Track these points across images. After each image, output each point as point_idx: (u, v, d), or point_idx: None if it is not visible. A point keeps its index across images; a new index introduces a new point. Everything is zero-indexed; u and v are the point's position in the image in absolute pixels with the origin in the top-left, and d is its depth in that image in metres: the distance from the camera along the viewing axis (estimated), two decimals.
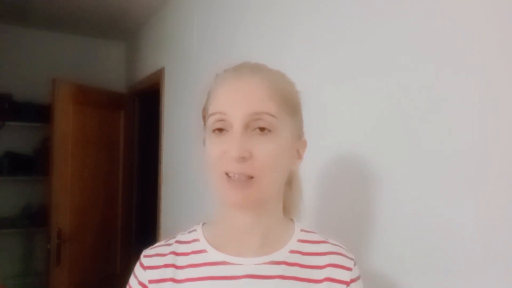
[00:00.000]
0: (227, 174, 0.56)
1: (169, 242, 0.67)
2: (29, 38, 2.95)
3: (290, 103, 0.60)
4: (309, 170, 1.07)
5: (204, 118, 0.63)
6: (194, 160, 1.99)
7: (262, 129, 0.56)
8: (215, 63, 1.78)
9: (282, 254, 0.62)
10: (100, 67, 3.17)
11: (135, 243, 3.08)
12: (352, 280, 0.62)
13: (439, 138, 0.79)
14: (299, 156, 0.65)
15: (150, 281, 0.62)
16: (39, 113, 2.74)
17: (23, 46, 2.92)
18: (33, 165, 2.80)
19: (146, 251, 0.67)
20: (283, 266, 0.61)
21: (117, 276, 2.89)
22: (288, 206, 0.71)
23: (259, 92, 0.57)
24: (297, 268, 0.61)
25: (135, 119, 3.11)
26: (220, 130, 0.58)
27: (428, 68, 0.82)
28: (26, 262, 2.90)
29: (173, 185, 2.28)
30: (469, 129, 0.74)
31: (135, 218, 3.12)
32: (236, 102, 0.57)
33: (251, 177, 0.56)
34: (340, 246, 0.67)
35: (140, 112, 3.14)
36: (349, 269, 0.63)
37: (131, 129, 3.07)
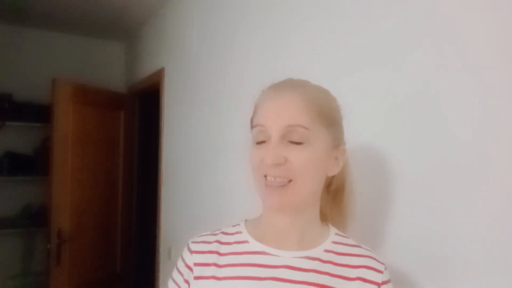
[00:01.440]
0: (265, 176, 0.64)
1: (215, 232, 0.74)
2: (29, 38, 2.95)
3: (326, 116, 0.66)
4: None
5: (251, 128, 0.71)
6: (194, 160, 1.99)
7: (296, 141, 0.63)
8: (215, 63, 1.79)
9: (317, 252, 0.68)
10: (100, 67, 3.17)
11: (135, 243, 3.08)
12: (384, 282, 0.67)
13: (439, 137, 0.79)
14: (337, 163, 0.70)
15: (196, 264, 0.68)
16: (39, 113, 2.74)
17: (23, 46, 2.92)
18: (33, 165, 2.80)
19: (194, 238, 0.73)
20: (317, 262, 0.66)
21: (117, 276, 2.89)
22: (336, 218, 0.78)
23: (294, 107, 0.64)
24: (331, 265, 0.67)
25: (135, 119, 3.11)
26: (261, 142, 0.65)
27: (428, 68, 0.82)
28: (26, 262, 2.90)
29: (173, 185, 2.28)
30: (469, 128, 0.74)
31: (135, 218, 3.12)
32: (273, 116, 0.64)
33: (290, 180, 0.63)
34: (371, 251, 0.72)
35: (140, 112, 3.14)
36: (380, 271, 0.68)
37: (131, 129, 3.07)
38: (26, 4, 2.51)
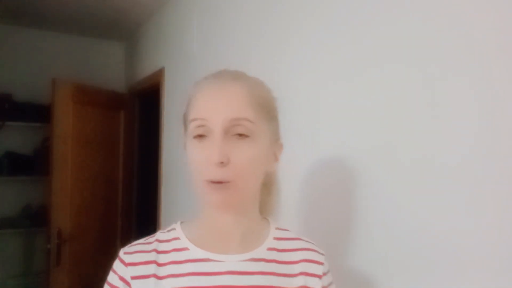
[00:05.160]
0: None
1: (149, 240, 0.68)
2: (29, 38, 2.94)
3: (267, 109, 0.64)
4: (299, 171, 1.08)
5: (185, 123, 0.66)
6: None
7: (240, 134, 0.59)
8: (215, 63, 1.79)
9: (261, 252, 0.66)
10: (100, 67, 3.17)
11: None
12: (324, 274, 0.69)
13: (435, 142, 0.79)
14: (276, 158, 0.68)
15: (133, 277, 0.63)
16: (39, 113, 2.73)
17: (23, 46, 2.91)
18: (33, 165, 2.80)
19: (126, 249, 0.67)
20: (262, 263, 0.65)
21: None
22: (266, 208, 0.75)
23: (239, 99, 0.60)
24: (275, 264, 0.66)
25: (135, 119, 3.11)
26: (201, 136, 0.60)
27: (425, 72, 0.82)
28: (26, 262, 2.90)
29: (173, 185, 2.28)
30: (466, 133, 0.74)
31: (135, 218, 3.12)
32: (216, 108, 0.59)
33: (229, 182, 0.59)
34: (312, 243, 0.72)
35: (140, 112, 3.14)
36: (321, 263, 0.69)
37: (131, 129, 3.07)
38: (26, 4, 2.51)
